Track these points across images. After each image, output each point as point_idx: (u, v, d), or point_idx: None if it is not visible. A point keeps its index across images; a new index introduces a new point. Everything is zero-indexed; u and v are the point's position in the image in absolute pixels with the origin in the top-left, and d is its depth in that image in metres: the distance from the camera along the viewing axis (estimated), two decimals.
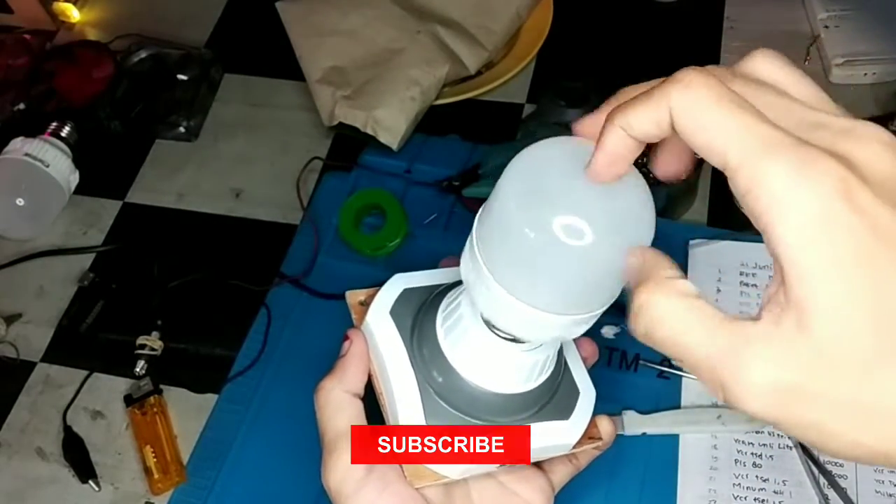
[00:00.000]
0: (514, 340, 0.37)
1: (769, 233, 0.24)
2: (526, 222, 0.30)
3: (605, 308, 0.34)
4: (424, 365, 0.39)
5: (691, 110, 0.25)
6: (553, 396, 0.41)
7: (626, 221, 0.31)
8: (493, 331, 0.37)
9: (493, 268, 0.33)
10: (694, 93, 0.25)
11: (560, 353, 0.42)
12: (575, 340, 0.44)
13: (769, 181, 0.24)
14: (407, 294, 0.42)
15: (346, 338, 0.41)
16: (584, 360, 0.44)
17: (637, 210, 0.32)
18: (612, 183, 0.31)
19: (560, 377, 0.41)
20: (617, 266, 0.30)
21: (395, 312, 0.41)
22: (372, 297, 0.42)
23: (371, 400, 0.41)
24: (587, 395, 0.42)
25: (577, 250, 0.30)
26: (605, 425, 0.43)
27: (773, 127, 0.25)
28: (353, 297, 0.43)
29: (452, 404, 0.39)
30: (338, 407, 0.39)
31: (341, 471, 0.37)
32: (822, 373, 0.24)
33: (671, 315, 0.26)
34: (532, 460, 0.41)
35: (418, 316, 0.41)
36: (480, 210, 0.34)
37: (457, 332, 0.38)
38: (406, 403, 0.39)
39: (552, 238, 0.30)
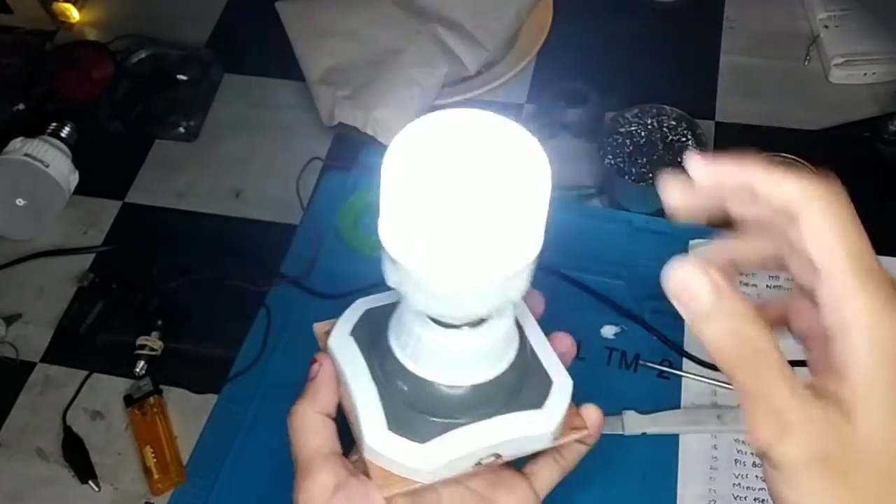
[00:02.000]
0: (456, 326, 0.37)
1: (843, 340, 0.27)
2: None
3: (535, 256, 0.34)
4: (387, 378, 0.39)
5: (824, 225, 0.28)
6: (522, 387, 0.40)
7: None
8: (434, 322, 0.37)
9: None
10: (835, 211, 0.28)
11: (524, 340, 0.41)
12: (549, 335, 0.43)
13: (858, 302, 0.27)
14: (369, 315, 0.42)
15: (314, 361, 0.42)
16: (562, 356, 0.43)
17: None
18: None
19: (526, 366, 0.41)
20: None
21: (357, 334, 0.42)
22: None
23: (342, 421, 0.41)
24: (562, 384, 0.41)
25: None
26: (591, 413, 0.42)
27: (875, 259, 0.28)
28: (320, 328, 0.44)
29: (423, 410, 0.39)
30: (311, 429, 0.40)
31: (310, 491, 0.39)
32: (850, 469, 0.27)
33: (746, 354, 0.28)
34: (511, 456, 0.40)
35: (375, 333, 0.41)
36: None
37: (405, 336, 0.38)
38: (368, 416, 0.39)
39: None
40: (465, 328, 0.37)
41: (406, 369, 0.39)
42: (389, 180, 0.32)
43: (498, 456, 0.40)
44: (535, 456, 0.44)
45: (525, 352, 0.41)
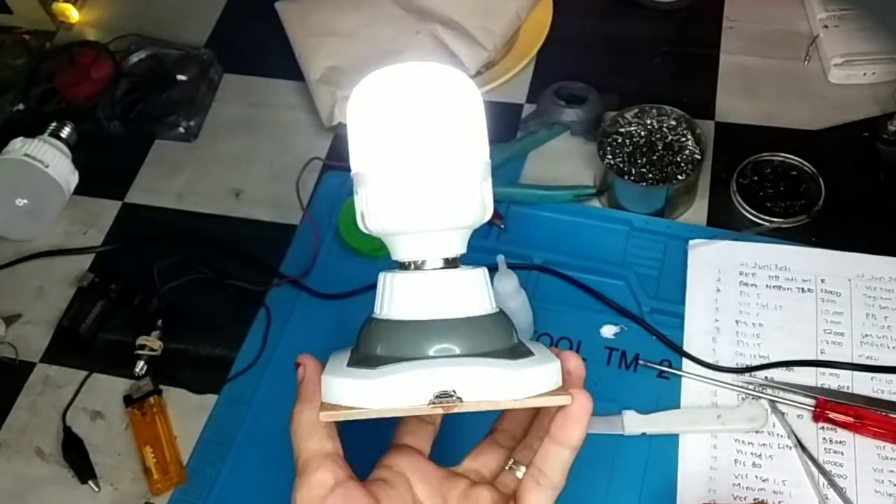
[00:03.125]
0: (417, 268, 0.41)
1: None
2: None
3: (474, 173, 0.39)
4: (363, 339, 0.40)
5: None
6: (498, 352, 0.40)
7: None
8: (400, 268, 0.41)
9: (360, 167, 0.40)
10: None
11: (513, 332, 0.41)
12: (560, 356, 0.41)
13: None
14: None
15: (298, 364, 0.42)
16: (568, 374, 0.40)
17: None
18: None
19: (509, 348, 0.40)
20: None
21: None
22: None
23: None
24: (545, 357, 0.40)
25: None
26: (580, 395, 0.38)
27: None
28: None
29: (385, 351, 0.39)
30: (309, 430, 0.40)
31: (308, 489, 0.39)
32: None
33: None
34: (473, 403, 0.37)
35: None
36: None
37: (378, 296, 0.41)
38: (333, 363, 0.40)
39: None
40: (427, 270, 0.41)
41: (375, 319, 0.40)
42: (354, 111, 0.41)
43: (459, 399, 0.37)
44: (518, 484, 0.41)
45: (510, 339, 0.41)
